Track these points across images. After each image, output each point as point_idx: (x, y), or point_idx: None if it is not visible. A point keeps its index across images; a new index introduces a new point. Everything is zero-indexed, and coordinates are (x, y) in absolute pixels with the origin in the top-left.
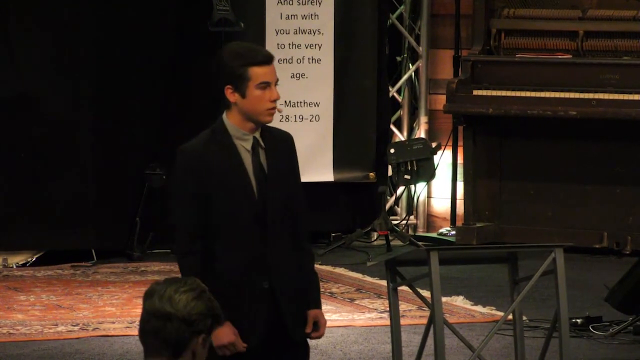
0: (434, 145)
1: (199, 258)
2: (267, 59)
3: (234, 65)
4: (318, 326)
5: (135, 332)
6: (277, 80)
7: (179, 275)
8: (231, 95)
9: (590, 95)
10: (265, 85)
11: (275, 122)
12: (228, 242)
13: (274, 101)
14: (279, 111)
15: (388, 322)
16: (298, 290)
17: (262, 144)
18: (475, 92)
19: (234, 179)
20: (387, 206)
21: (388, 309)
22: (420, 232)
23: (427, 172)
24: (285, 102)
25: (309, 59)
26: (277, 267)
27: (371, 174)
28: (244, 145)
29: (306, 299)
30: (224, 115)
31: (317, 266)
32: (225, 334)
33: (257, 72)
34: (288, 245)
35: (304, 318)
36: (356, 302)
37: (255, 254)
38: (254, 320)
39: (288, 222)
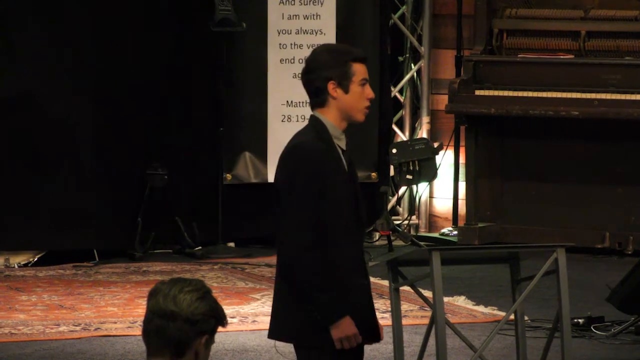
0: (435, 145)
1: (321, 253)
2: (365, 58)
3: (338, 61)
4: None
5: (137, 332)
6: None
7: (183, 276)
8: (333, 90)
9: (592, 96)
10: (365, 82)
11: (277, 122)
12: (338, 239)
13: (370, 100)
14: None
15: (390, 322)
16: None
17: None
18: (477, 92)
19: (340, 178)
20: (389, 206)
21: (390, 309)
22: (422, 232)
23: (429, 172)
24: (287, 102)
25: None
26: (366, 264)
27: (373, 174)
28: (340, 145)
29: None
30: (318, 114)
31: None
32: (348, 326)
33: (360, 69)
34: None
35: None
36: None
37: (356, 252)
38: (365, 316)
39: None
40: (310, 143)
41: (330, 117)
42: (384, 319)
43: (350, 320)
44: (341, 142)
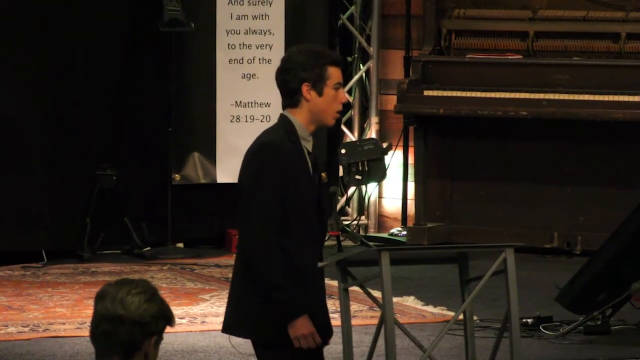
0: (384, 145)
1: (278, 255)
2: (341, 62)
3: (315, 63)
4: None
5: (86, 332)
6: None
7: (132, 276)
8: (307, 92)
9: (541, 96)
10: (339, 87)
11: (226, 123)
12: (298, 240)
13: (341, 104)
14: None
15: (339, 322)
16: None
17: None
18: (426, 93)
19: (304, 178)
20: (338, 206)
21: (339, 309)
22: (372, 233)
23: (378, 173)
24: (236, 102)
25: (259, 59)
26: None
27: (322, 174)
28: (307, 147)
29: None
30: (289, 114)
31: None
32: (304, 325)
33: (335, 73)
34: None
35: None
36: None
37: (316, 252)
38: (322, 317)
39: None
40: (278, 142)
41: (300, 118)
42: (333, 319)
43: (307, 320)
44: (308, 144)
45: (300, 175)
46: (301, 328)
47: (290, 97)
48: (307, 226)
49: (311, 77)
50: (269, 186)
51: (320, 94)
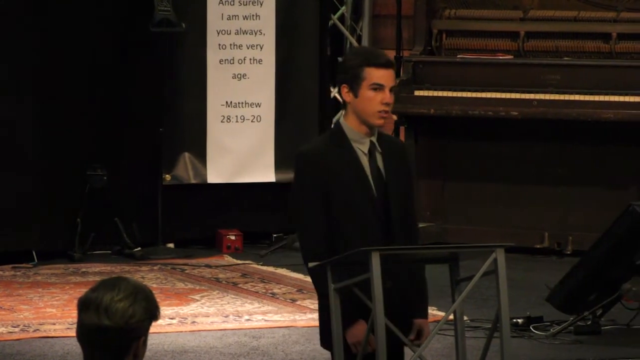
0: None
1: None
2: (385, 63)
3: (352, 64)
4: (420, 335)
5: None
6: (394, 86)
7: (117, 275)
8: (346, 94)
9: (531, 96)
10: (378, 87)
11: (217, 123)
12: (350, 243)
13: (386, 104)
14: (394, 118)
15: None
16: (406, 295)
17: (379, 148)
18: (417, 93)
19: (353, 179)
20: None
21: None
22: None
23: None
24: (227, 102)
25: (250, 59)
26: (396, 267)
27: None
28: (361, 148)
29: (411, 305)
30: (341, 118)
31: (258, 267)
32: (359, 332)
33: (372, 73)
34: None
35: (408, 324)
36: (298, 302)
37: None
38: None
39: (405, 224)
40: (308, 149)
41: (349, 121)
42: None
43: (362, 326)
44: (362, 146)
45: (344, 177)
46: (355, 334)
47: (342, 100)
48: (362, 227)
49: (348, 79)
50: (307, 193)
51: (356, 95)
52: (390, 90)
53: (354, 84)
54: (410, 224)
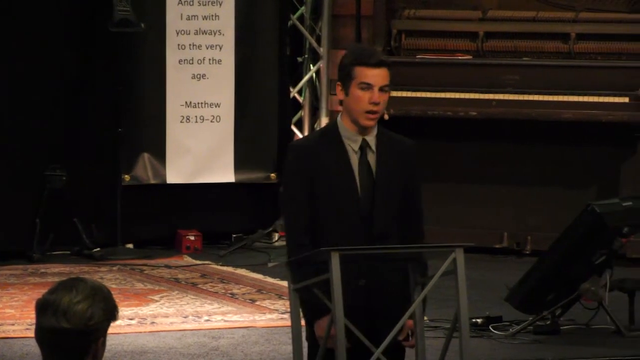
0: None
1: (309, 252)
2: (376, 62)
3: (345, 63)
4: (412, 336)
5: None
6: (385, 86)
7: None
8: (339, 92)
9: (491, 96)
10: (366, 87)
11: (176, 123)
12: (332, 238)
13: (374, 104)
14: (385, 117)
15: (289, 322)
16: (395, 294)
17: (372, 146)
18: None
19: (339, 176)
20: None
21: (289, 309)
22: None
23: None
24: (186, 102)
25: (209, 59)
26: (376, 267)
27: (272, 174)
28: (352, 146)
29: (405, 305)
30: (339, 115)
31: (217, 267)
32: (321, 327)
33: (361, 72)
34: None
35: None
36: (257, 303)
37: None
38: (359, 319)
39: (394, 224)
40: (298, 143)
41: (343, 119)
42: (283, 319)
43: (326, 322)
44: (354, 144)
45: (331, 175)
46: (319, 329)
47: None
48: (345, 223)
49: (341, 77)
50: (292, 187)
51: (347, 93)
52: (383, 90)
53: (346, 82)
54: (411, 224)
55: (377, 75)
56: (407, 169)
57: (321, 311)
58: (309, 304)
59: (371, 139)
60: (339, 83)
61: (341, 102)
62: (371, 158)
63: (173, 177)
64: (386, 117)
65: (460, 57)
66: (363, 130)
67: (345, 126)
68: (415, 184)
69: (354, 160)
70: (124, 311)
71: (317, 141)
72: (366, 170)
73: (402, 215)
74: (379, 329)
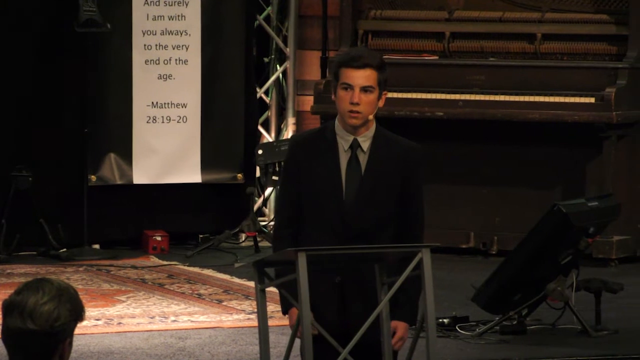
0: None
1: (288, 244)
2: (358, 64)
3: (334, 64)
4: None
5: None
6: (369, 87)
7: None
8: (333, 93)
9: (457, 96)
10: (347, 87)
11: (142, 123)
12: (311, 232)
13: (353, 104)
14: (370, 117)
15: (256, 323)
16: (372, 293)
17: (363, 146)
18: None
19: (324, 173)
20: (255, 207)
21: (256, 310)
22: None
23: None
24: (152, 103)
25: (176, 60)
26: (353, 265)
27: (239, 175)
28: (343, 145)
29: (394, 306)
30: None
31: (184, 268)
32: (292, 318)
33: (344, 73)
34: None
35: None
36: (224, 303)
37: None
38: (323, 313)
39: (384, 226)
40: (297, 136)
41: (338, 117)
42: (250, 319)
43: (294, 314)
44: (345, 143)
45: (320, 169)
46: (291, 319)
47: None
48: (322, 220)
49: (332, 78)
50: (284, 178)
51: (334, 94)
52: (367, 90)
53: (334, 83)
54: (406, 229)
55: (358, 77)
56: (403, 172)
57: (289, 305)
58: (282, 294)
59: (364, 140)
60: (332, 84)
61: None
62: (362, 158)
63: (139, 177)
64: (370, 117)
65: (426, 58)
66: (353, 129)
67: (339, 125)
68: (413, 188)
69: (343, 158)
70: (90, 312)
71: (314, 136)
72: (354, 169)
73: (398, 218)
74: (351, 327)
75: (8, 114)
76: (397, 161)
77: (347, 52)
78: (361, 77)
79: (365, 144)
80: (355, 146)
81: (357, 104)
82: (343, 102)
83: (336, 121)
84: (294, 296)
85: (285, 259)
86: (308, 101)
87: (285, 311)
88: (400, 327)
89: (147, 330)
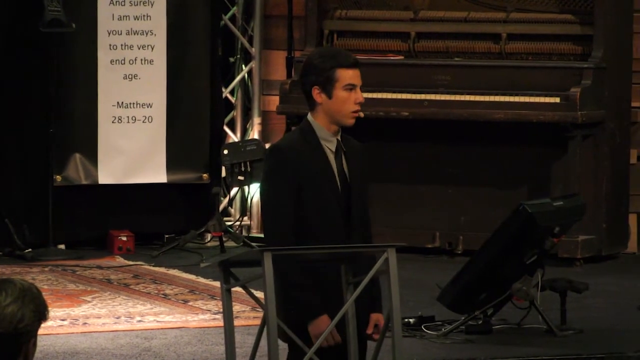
0: (267, 146)
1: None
2: (355, 63)
3: (324, 67)
4: (377, 329)
5: None
6: (361, 84)
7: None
8: (317, 95)
9: (422, 96)
10: (351, 88)
11: (108, 123)
12: (316, 238)
13: (359, 104)
14: (361, 116)
15: (222, 323)
16: (365, 290)
17: (343, 147)
18: None
19: (323, 177)
20: (221, 207)
21: (222, 310)
22: (254, 233)
23: (260, 173)
24: (118, 103)
25: (141, 59)
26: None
27: (205, 175)
28: (329, 147)
29: (371, 300)
30: (310, 117)
31: (149, 268)
32: (324, 325)
33: (345, 74)
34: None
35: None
36: (190, 303)
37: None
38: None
39: (363, 223)
40: (281, 144)
41: (319, 120)
42: (215, 320)
43: (326, 319)
44: (330, 144)
45: (316, 175)
46: (320, 327)
47: (308, 100)
48: (328, 223)
49: (320, 81)
50: (276, 189)
51: (329, 96)
52: (360, 89)
53: (327, 86)
54: (366, 223)
55: (357, 76)
56: (365, 170)
57: (317, 311)
58: (300, 304)
59: (339, 140)
60: (316, 87)
61: (313, 104)
62: (343, 159)
63: (105, 177)
64: (362, 114)
65: (392, 58)
66: (338, 131)
67: (321, 127)
68: (366, 185)
69: (332, 161)
70: (55, 312)
71: (298, 142)
72: (341, 171)
73: None
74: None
75: None
76: (362, 160)
77: (330, 52)
78: (358, 75)
79: (341, 145)
80: (339, 148)
81: (362, 102)
82: (347, 103)
83: (313, 123)
84: (322, 303)
85: (250, 259)
86: (274, 101)
87: (310, 318)
88: (381, 319)
89: (113, 331)
